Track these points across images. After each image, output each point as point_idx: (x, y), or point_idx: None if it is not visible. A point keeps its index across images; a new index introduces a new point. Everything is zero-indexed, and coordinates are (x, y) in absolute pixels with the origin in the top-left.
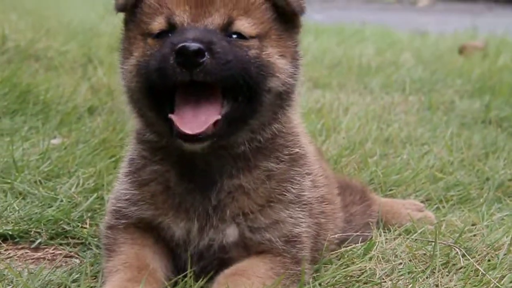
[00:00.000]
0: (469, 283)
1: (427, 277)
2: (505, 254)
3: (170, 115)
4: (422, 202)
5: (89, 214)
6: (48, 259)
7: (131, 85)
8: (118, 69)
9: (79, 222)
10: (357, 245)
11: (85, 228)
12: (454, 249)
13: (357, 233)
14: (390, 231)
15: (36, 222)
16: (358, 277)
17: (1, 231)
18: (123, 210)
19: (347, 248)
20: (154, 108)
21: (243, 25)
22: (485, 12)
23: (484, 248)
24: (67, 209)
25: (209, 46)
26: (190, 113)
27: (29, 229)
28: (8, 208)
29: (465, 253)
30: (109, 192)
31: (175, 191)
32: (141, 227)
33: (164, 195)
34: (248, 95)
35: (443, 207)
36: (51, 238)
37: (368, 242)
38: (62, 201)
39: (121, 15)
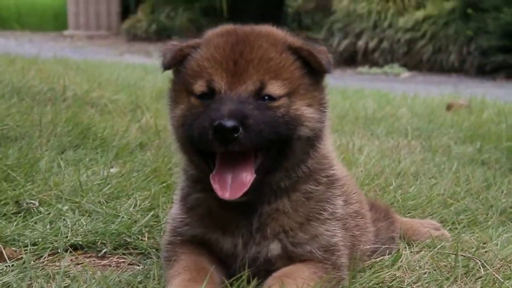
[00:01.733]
0: None
1: (450, 284)
2: None
3: (212, 180)
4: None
5: (147, 229)
6: (113, 266)
7: (176, 132)
8: (167, 112)
9: (139, 235)
10: (385, 256)
11: (144, 240)
12: (472, 261)
13: (385, 246)
14: (413, 245)
15: (102, 234)
16: (390, 283)
17: (72, 241)
18: (178, 229)
19: (376, 259)
20: (198, 154)
21: (273, 88)
22: (458, 83)
23: (498, 262)
24: (128, 224)
25: (242, 121)
26: (228, 177)
27: (96, 241)
28: (77, 223)
29: (484, 263)
30: (163, 211)
31: (219, 216)
32: (195, 242)
33: (210, 217)
34: (279, 146)
35: (456, 228)
36: (115, 249)
37: (395, 254)
38: (123, 217)
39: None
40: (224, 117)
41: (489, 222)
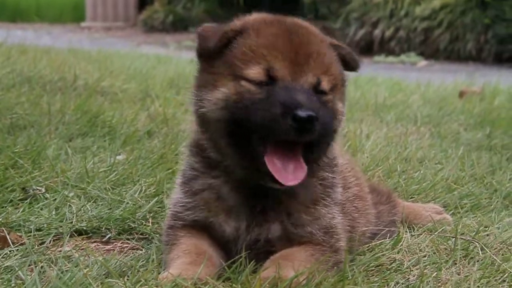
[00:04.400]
0: (487, 272)
1: (449, 267)
2: None
3: (269, 165)
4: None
5: (151, 215)
6: (117, 250)
7: (212, 115)
8: (193, 96)
9: (143, 221)
10: (386, 239)
11: (148, 226)
12: (472, 244)
13: (386, 229)
14: (414, 229)
15: (106, 220)
16: (388, 266)
17: (77, 227)
18: (179, 214)
19: (377, 242)
20: (235, 143)
21: (325, 83)
22: (475, 71)
23: (498, 244)
24: (132, 209)
25: (317, 113)
26: (284, 164)
27: (100, 226)
28: (82, 209)
29: (483, 246)
30: (168, 197)
31: (227, 200)
32: (196, 226)
33: (215, 202)
34: (323, 139)
35: (458, 212)
36: (119, 234)
37: (395, 237)
38: (128, 203)
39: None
40: (303, 106)
41: (492, 206)
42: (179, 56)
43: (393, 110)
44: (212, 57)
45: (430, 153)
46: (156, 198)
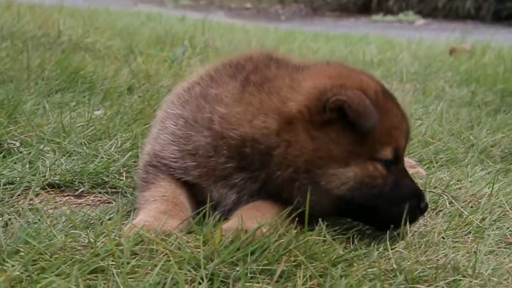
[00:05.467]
0: (453, 223)
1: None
2: (487, 199)
3: None
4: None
5: (125, 169)
6: (89, 204)
7: (335, 192)
8: (305, 161)
9: (116, 175)
10: None
11: (121, 179)
12: (442, 197)
13: None
14: None
15: (80, 174)
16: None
17: (49, 180)
18: (169, 163)
19: None
20: (339, 210)
21: None
22: (473, 30)
23: (468, 197)
24: (106, 164)
25: None
26: None
27: (74, 180)
28: (56, 162)
29: (452, 200)
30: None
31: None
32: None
33: (213, 172)
34: None
35: (433, 166)
36: (92, 188)
37: None
38: (102, 157)
39: None
40: (423, 196)
41: (467, 161)
42: (171, 14)
43: (380, 67)
44: (357, 132)
45: (411, 109)
46: (131, 153)
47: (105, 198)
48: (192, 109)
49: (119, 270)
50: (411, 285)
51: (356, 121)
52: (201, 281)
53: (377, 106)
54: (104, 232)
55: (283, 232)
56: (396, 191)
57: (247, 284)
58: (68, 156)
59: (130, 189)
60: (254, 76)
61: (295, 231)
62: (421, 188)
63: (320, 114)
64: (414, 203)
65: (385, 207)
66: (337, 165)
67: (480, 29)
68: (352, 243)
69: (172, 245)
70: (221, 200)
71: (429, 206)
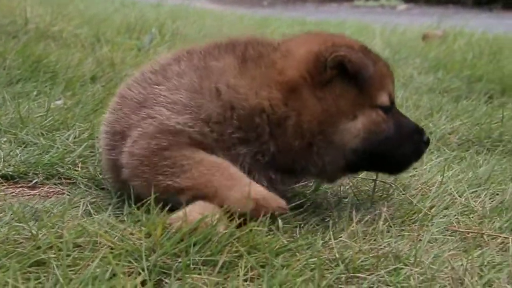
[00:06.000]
0: (402, 211)
1: (368, 208)
2: (438, 187)
3: None
4: None
5: (81, 159)
6: (42, 196)
7: (350, 146)
8: (317, 121)
9: (71, 166)
10: (309, 183)
11: (76, 170)
12: (392, 185)
13: None
14: None
15: (34, 165)
16: (307, 207)
17: (3, 172)
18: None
19: (300, 185)
20: (354, 166)
21: None
22: (453, 14)
23: (420, 185)
24: (62, 154)
25: None
26: None
27: (28, 171)
28: (11, 153)
29: (401, 189)
30: (99, 142)
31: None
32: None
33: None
34: None
35: None
36: (47, 179)
37: (316, 182)
38: (58, 148)
39: None
40: (423, 132)
41: None
42: (148, 0)
43: None
44: (357, 84)
45: None
46: (87, 143)
47: (59, 190)
48: (193, 79)
49: (59, 263)
50: (352, 274)
51: (357, 72)
52: (141, 272)
53: (366, 58)
54: (48, 224)
55: (227, 223)
56: (399, 132)
57: (188, 275)
58: (24, 147)
59: (85, 180)
60: (248, 53)
61: (238, 221)
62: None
63: (321, 74)
64: (418, 138)
65: (394, 149)
66: (347, 119)
67: (460, 13)
68: (299, 233)
69: (115, 237)
70: None
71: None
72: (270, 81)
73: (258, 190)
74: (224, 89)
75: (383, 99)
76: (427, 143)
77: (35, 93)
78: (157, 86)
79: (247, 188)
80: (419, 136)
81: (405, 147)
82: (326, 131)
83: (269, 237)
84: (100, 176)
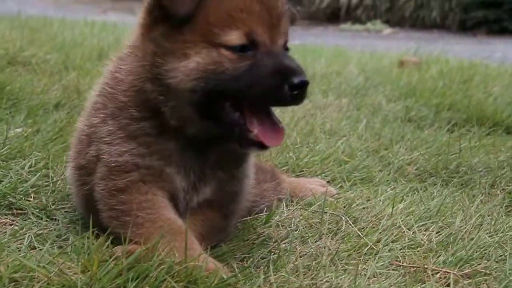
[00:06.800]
0: (349, 245)
1: (316, 241)
2: (387, 220)
3: (253, 129)
4: (328, 181)
5: (34, 189)
6: None
7: (183, 86)
8: (150, 63)
9: (23, 196)
10: (261, 214)
11: (28, 201)
12: (342, 218)
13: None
14: (292, 204)
15: None
16: (256, 240)
17: None
18: (129, 163)
19: (253, 216)
20: (205, 112)
21: (288, 41)
22: (437, 39)
23: (370, 217)
24: (15, 184)
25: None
26: (266, 126)
27: None
28: None
29: (349, 221)
30: (55, 171)
31: (176, 156)
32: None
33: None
34: None
35: (346, 185)
36: None
37: (268, 213)
38: (12, 178)
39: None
40: (300, 73)
41: (378, 180)
42: (127, 23)
43: (322, 81)
44: (181, 22)
45: (340, 125)
46: (40, 173)
47: (9, 220)
48: None
49: None
50: None
51: (169, 9)
52: None
53: None
54: None
55: (164, 258)
56: (253, 73)
57: None
58: None
59: (36, 210)
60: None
61: (177, 254)
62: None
63: (149, 16)
64: (276, 81)
65: (245, 89)
66: (177, 59)
67: (445, 38)
68: (244, 267)
69: (52, 272)
70: None
71: (307, 82)
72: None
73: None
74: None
75: (229, 37)
76: (297, 86)
77: None
78: None
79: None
80: (279, 79)
81: (258, 88)
82: (160, 74)
83: (208, 272)
84: (52, 207)
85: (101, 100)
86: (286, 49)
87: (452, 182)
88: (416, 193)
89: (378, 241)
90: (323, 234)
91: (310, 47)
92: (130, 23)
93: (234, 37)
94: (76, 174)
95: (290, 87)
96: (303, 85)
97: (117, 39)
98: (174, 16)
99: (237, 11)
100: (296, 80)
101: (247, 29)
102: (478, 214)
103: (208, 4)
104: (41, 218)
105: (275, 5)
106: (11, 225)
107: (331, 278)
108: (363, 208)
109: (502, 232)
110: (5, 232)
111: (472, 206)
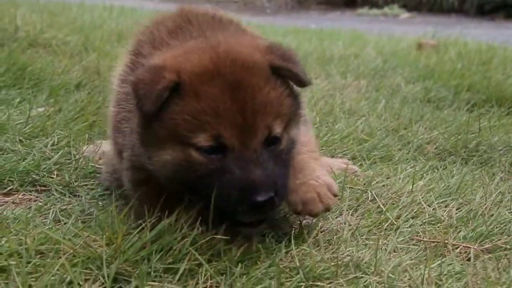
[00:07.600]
0: (370, 221)
1: (336, 217)
2: (407, 196)
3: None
4: (348, 160)
5: (56, 167)
6: (15, 203)
7: (163, 174)
8: (136, 147)
9: (46, 173)
10: None
11: (51, 177)
12: (364, 194)
13: None
14: None
15: (10, 172)
16: (275, 216)
17: None
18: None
19: None
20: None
21: (277, 128)
22: (455, 24)
23: (390, 194)
24: (38, 162)
25: (275, 189)
26: None
27: (3, 178)
28: None
29: (375, 197)
30: (77, 149)
31: None
32: None
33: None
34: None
35: (366, 163)
36: (21, 186)
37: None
38: (35, 155)
39: None
40: (259, 190)
41: (397, 158)
42: (150, 8)
43: (340, 63)
44: (151, 118)
45: (359, 105)
46: (63, 150)
47: (33, 197)
48: None
49: (20, 270)
50: (311, 283)
51: (136, 104)
52: (101, 279)
53: (187, 89)
54: (12, 231)
55: (188, 232)
56: (220, 179)
57: (149, 283)
58: (1, 154)
59: (59, 187)
60: None
61: (200, 229)
62: (268, 183)
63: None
64: (237, 196)
65: (211, 192)
66: (154, 149)
67: (463, 23)
68: (267, 241)
69: (78, 245)
70: None
71: (276, 201)
72: None
73: None
74: None
75: (197, 140)
76: (258, 205)
77: (18, 100)
78: None
79: None
80: (243, 195)
81: (221, 197)
82: (142, 157)
83: (230, 245)
84: (75, 183)
85: None
86: (273, 141)
87: (472, 161)
88: (436, 171)
89: (399, 217)
90: (343, 210)
91: (327, 31)
92: (148, 9)
93: (201, 139)
94: None
95: (251, 205)
96: (264, 204)
97: (136, 23)
98: (141, 112)
99: (204, 113)
100: (259, 198)
101: (214, 132)
102: (498, 191)
103: (176, 103)
104: (65, 195)
105: (251, 100)
106: (35, 201)
107: (352, 252)
108: (383, 185)
109: None
110: (30, 207)
111: (492, 183)
